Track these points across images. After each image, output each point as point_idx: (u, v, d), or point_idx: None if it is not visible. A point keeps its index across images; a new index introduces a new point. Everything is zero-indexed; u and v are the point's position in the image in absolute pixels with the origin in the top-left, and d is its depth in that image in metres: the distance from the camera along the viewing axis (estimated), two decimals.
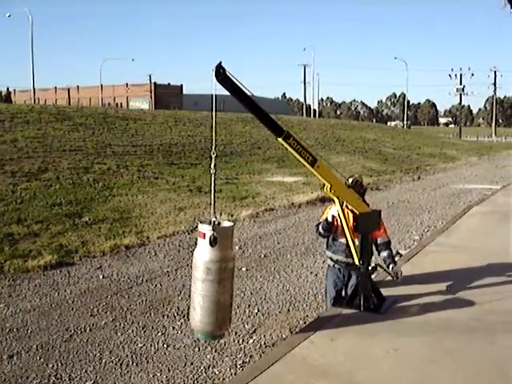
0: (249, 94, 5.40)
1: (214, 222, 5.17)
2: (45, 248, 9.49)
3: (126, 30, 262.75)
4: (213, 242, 5.06)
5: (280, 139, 5.51)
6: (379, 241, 6.54)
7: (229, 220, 5.87)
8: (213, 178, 5.32)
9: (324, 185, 5.90)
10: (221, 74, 5.17)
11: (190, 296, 5.44)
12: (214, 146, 5.29)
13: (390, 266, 6.44)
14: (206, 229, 5.15)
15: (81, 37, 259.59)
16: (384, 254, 6.52)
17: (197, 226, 11.77)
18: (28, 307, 7.07)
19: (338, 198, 5.99)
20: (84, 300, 7.38)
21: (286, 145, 5.53)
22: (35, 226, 10.63)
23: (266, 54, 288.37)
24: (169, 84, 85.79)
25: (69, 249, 9.62)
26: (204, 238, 5.14)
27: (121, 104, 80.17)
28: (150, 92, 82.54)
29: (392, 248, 6.73)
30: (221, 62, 5.21)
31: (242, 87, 5.29)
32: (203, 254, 5.16)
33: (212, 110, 5.43)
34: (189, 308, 7.03)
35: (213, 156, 5.30)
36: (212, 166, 5.30)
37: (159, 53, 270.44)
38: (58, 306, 7.15)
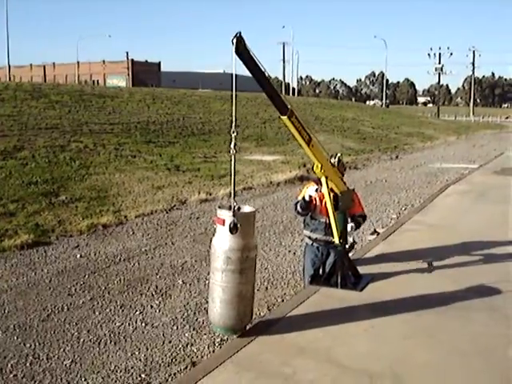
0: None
1: (234, 207, 4.89)
2: (21, 227, 9.39)
3: (102, 5, 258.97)
4: (233, 229, 4.78)
5: (284, 117, 5.38)
6: (357, 214, 6.60)
7: (249, 205, 5.49)
8: (233, 159, 4.99)
9: (314, 164, 5.90)
10: (241, 47, 4.89)
11: (208, 287, 5.30)
12: (234, 125, 4.93)
13: (349, 226, 6.44)
14: (225, 215, 4.87)
15: (56, 13, 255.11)
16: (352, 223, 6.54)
17: (175, 205, 11.61)
18: (5, 287, 7.00)
19: (326, 177, 6.00)
20: (61, 279, 7.33)
21: (288, 123, 5.42)
22: (11, 206, 10.50)
23: (244, 32, 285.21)
24: (146, 61, 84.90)
25: (45, 228, 9.52)
26: (223, 224, 4.86)
27: (97, 81, 79.16)
28: (128, 69, 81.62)
29: (364, 222, 6.90)
30: (240, 33, 4.87)
31: (257, 61, 5.05)
32: (223, 242, 4.90)
33: (232, 90, 5.02)
34: (167, 288, 7.07)
35: (233, 135, 4.97)
36: (232, 145, 4.96)
37: (136, 29, 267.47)
38: (35, 285, 7.10)
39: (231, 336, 5.39)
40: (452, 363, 4.74)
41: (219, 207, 5.07)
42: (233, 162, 5.01)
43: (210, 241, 5.26)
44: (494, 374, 4.59)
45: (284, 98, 5.48)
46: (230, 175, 5.08)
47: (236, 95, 5.01)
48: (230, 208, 4.98)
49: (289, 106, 5.41)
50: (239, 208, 5.02)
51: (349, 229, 6.35)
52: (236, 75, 4.90)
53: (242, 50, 4.91)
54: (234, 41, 4.85)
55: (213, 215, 10.83)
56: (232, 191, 5.05)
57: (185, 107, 30.16)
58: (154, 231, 9.80)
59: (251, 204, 12.32)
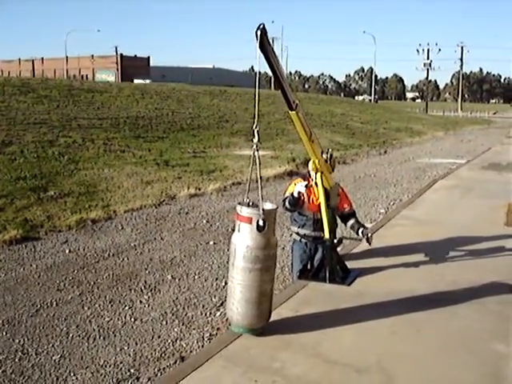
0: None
1: (258, 204, 4.79)
2: (9, 223, 9.35)
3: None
4: (261, 228, 4.68)
5: (293, 112, 5.41)
6: (346, 212, 6.64)
7: (269, 202, 5.33)
8: (256, 155, 4.83)
9: (311, 159, 5.94)
10: (265, 40, 4.73)
11: (227, 288, 5.23)
12: (256, 120, 4.79)
13: (360, 231, 6.51)
14: (252, 213, 4.76)
15: (45, 7, 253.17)
16: (351, 221, 6.62)
17: (164, 200, 11.56)
18: None
19: (321, 172, 6.04)
20: (50, 275, 7.32)
21: (296, 118, 5.45)
22: None
23: (233, 27, 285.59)
24: (135, 56, 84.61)
25: (34, 223, 9.49)
26: (250, 222, 4.73)
27: (86, 76, 78.78)
28: (117, 64, 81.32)
29: (358, 218, 6.89)
30: (264, 25, 4.63)
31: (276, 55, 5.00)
32: (249, 240, 4.77)
33: (255, 87, 4.89)
34: (158, 282, 7.08)
35: (255, 130, 4.84)
36: (255, 141, 4.83)
37: (126, 24, 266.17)
38: (24, 280, 7.09)
39: (253, 335, 5.11)
40: (439, 357, 4.79)
41: (239, 204, 4.96)
42: (257, 159, 4.84)
43: (229, 239, 5.11)
44: (479, 367, 4.64)
45: (294, 94, 5.51)
46: (255, 171, 4.87)
47: (259, 93, 4.88)
48: (250, 205, 4.90)
49: (297, 101, 5.44)
50: (257, 205, 4.90)
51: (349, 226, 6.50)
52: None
53: (265, 44, 4.78)
54: (259, 33, 4.66)
55: (202, 211, 10.87)
56: (259, 191, 4.81)
57: (174, 102, 30.08)
58: (143, 226, 9.80)
59: (240, 199, 12.30)
